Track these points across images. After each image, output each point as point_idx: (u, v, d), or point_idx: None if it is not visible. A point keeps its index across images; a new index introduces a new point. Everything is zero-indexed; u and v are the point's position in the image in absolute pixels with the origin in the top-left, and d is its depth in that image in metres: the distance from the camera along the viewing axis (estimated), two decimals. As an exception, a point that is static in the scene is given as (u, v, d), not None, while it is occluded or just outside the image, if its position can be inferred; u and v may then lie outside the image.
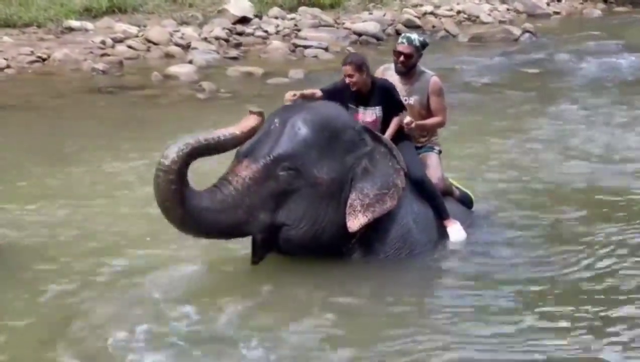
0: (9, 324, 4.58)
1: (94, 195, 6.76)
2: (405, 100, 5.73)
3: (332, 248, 5.18)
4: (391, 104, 5.56)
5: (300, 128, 5.03)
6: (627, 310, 4.74)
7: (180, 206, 4.72)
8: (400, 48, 5.71)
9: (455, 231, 5.66)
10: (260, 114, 4.87)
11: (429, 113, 5.81)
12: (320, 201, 5.04)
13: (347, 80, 5.47)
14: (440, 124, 5.88)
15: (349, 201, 5.10)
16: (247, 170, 4.93)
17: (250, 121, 4.85)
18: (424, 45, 5.77)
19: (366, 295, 4.96)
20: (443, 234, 5.65)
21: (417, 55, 5.74)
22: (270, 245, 5.11)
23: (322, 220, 5.06)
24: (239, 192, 4.90)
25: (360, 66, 5.46)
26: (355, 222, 5.09)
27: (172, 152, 4.65)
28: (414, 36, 5.81)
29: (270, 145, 4.97)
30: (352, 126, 5.25)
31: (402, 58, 5.70)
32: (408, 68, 5.73)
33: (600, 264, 5.43)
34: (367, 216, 5.10)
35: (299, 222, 5.02)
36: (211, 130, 4.78)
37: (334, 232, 5.11)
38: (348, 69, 5.47)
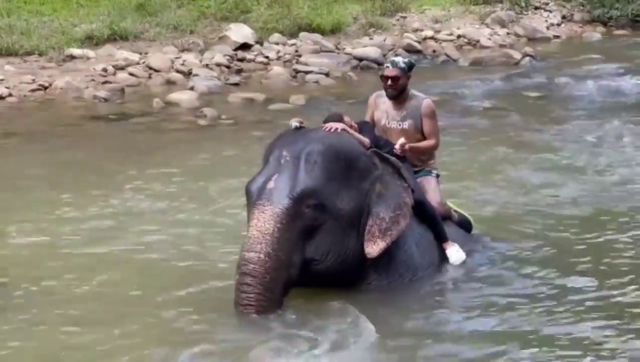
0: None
1: (99, 224, 6.74)
2: (400, 125, 5.74)
3: (354, 276, 5.15)
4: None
5: (317, 161, 4.96)
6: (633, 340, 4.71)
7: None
8: (386, 72, 5.73)
9: (454, 253, 5.65)
10: None
11: (424, 136, 5.81)
12: (344, 232, 5.02)
13: (352, 123, 5.45)
14: (434, 147, 5.88)
15: (367, 227, 5.08)
16: (274, 219, 4.82)
17: None
18: (410, 66, 5.77)
19: (373, 321, 4.93)
20: (444, 257, 5.64)
21: (405, 77, 5.73)
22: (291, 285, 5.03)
23: (346, 250, 5.04)
24: (277, 252, 4.81)
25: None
26: (375, 248, 5.06)
27: None
28: (399, 59, 5.85)
29: (290, 183, 4.89)
30: (364, 152, 5.23)
31: (389, 82, 5.71)
32: (398, 91, 5.73)
33: (604, 289, 5.41)
34: (385, 241, 5.08)
35: (327, 256, 4.98)
36: None
37: (357, 259, 5.08)
38: (348, 119, 5.46)
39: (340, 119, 5.39)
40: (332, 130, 5.23)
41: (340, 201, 4.99)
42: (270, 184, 4.91)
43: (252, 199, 4.96)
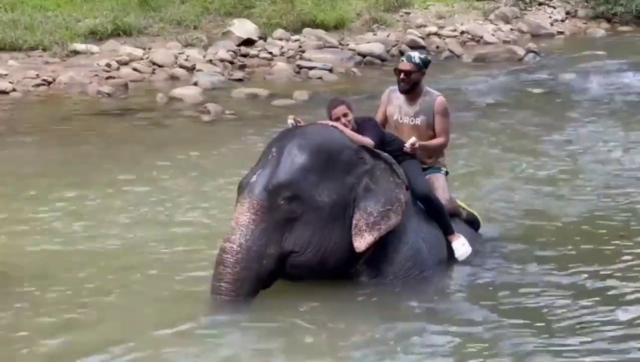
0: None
1: (100, 219, 6.75)
2: (412, 121, 5.75)
3: (339, 271, 5.16)
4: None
5: (296, 155, 5.01)
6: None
7: None
8: (400, 66, 5.76)
9: (460, 246, 5.64)
10: None
11: (435, 134, 5.81)
12: (324, 225, 5.02)
13: (343, 120, 5.37)
14: (443, 145, 5.88)
15: (354, 221, 5.08)
16: (249, 211, 4.91)
17: None
18: (425, 62, 5.78)
19: (370, 321, 4.93)
20: (451, 252, 5.63)
21: (419, 72, 5.75)
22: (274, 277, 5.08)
23: (328, 243, 5.04)
24: (249, 243, 4.88)
25: (350, 105, 5.44)
26: (362, 241, 5.06)
27: None
28: (415, 54, 5.87)
29: (268, 176, 4.96)
30: (349, 146, 5.22)
31: (402, 75, 5.73)
32: (411, 86, 5.74)
33: (610, 292, 5.38)
34: (373, 235, 5.08)
35: (306, 248, 4.99)
36: None
37: (341, 254, 5.09)
38: (344, 108, 5.40)
39: (340, 103, 5.41)
40: (323, 126, 5.28)
41: (319, 194, 5.00)
42: (253, 179, 4.99)
43: (239, 193, 5.06)
